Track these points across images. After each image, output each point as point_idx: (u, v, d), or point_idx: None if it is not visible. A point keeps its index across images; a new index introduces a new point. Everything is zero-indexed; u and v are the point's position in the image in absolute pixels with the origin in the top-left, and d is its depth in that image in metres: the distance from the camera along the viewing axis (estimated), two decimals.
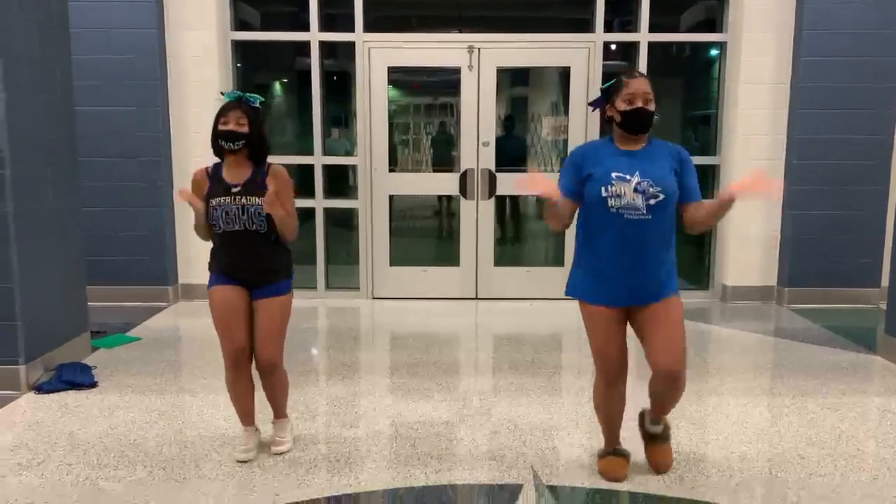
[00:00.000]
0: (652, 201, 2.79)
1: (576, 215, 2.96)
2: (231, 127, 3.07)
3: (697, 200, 2.92)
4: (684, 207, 2.91)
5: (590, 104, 3.25)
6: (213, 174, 3.16)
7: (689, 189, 2.91)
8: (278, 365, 3.28)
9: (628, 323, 2.99)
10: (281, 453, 3.31)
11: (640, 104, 2.81)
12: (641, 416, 3.22)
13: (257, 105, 3.18)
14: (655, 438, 3.18)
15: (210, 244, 3.24)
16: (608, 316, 2.93)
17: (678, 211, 2.91)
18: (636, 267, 2.85)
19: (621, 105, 2.84)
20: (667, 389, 2.96)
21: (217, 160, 3.21)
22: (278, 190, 3.09)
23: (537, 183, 2.73)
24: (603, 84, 3.02)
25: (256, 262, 3.14)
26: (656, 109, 2.86)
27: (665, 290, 2.90)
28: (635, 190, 2.79)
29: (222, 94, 3.26)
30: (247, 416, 3.33)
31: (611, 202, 2.80)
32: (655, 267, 2.87)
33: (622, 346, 2.98)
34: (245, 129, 3.08)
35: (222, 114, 3.10)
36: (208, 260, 3.24)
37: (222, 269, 3.18)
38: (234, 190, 3.08)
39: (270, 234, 3.13)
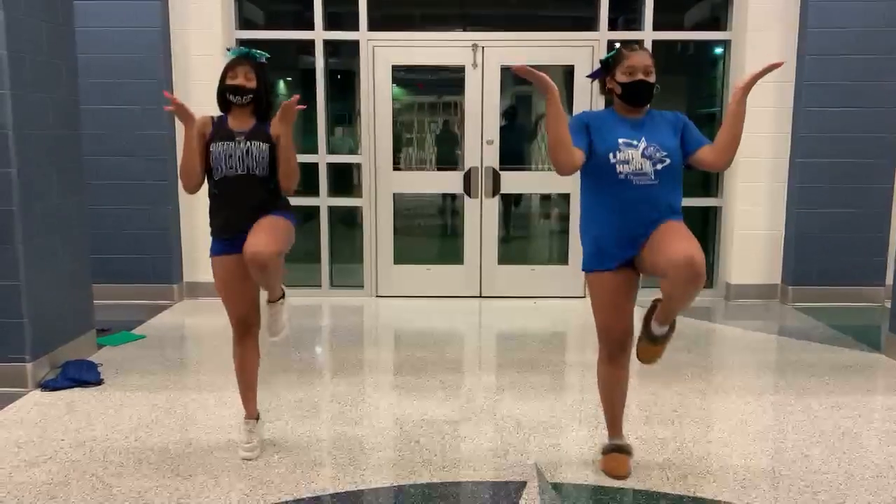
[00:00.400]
0: (659, 166, 2.79)
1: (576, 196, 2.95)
2: (239, 81, 3.11)
3: (708, 143, 2.89)
4: (702, 153, 2.87)
5: (588, 76, 3.24)
6: (218, 122, 3.20)
7: (697, 139, 2.90)
8: (267, 255, 2.98)
9: (640, 275, 2.95)
10: (277, 337, 3.26)
11: (640, 76, 2.82)
12: (652, 306, 2.94)
13: (264, 61, 3.23)
14: (654, 339, 2.98)
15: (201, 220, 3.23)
16: (616, 282, 2.90)
17: (699, 160, 2.87)
18: (645, 230, 2.82)
19: (622, 77, 2.84)
20: (688, 280, 2.64)
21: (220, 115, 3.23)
22: (282, 134, 3.11)
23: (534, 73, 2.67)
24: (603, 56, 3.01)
25: (255, 206, 3.11)
26: (656, 81, 2.86)
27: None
28: (643, 155, 2.79)
29: (228, 50, 3.28)
30: (248, 396, 3.34)
31: (619, 168, 2.79)
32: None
33: (629, 317, 2.97)
34: (253, 84, 3.13)
35: (230, 68, 3.13)
36: (210, 223, 3.22)
37: (222, 226, 3.16)
38: (239, 137, 3.12)
39: (270, 181, 3.14)
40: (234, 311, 3.25)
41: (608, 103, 3.03)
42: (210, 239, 3.26)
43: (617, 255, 2.89)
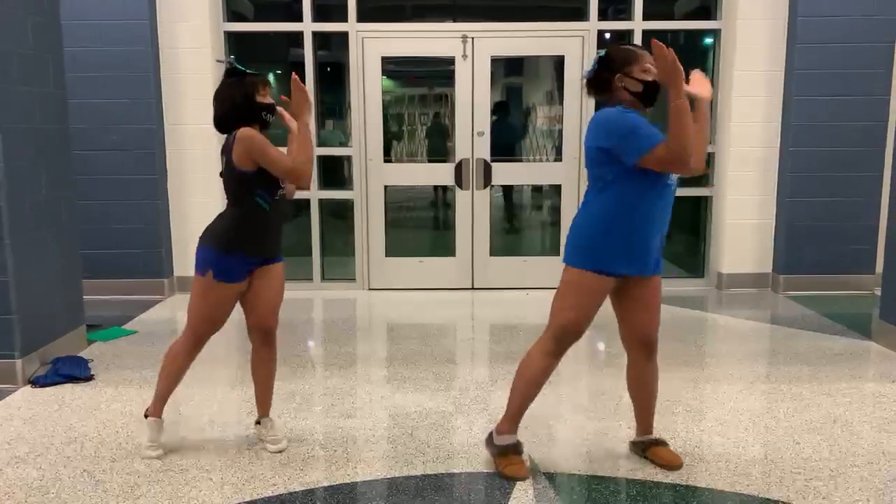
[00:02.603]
0: None
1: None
2: (269, 100, 3.08)
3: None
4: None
5: (583, 73, 3.11)
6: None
7: None
8: (275, 327, 3.27)
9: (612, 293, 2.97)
10: (282, 451, 3.26)
11: (655, 77, 2.77)
12: (633, 445, 3.24)
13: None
14: (656, 443, 3.17)
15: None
16: (607, 289, 2.90)
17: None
18: (662, 233, 2.88)
19: (642, 75, 2.77)
20: (645, 361, 3.03)
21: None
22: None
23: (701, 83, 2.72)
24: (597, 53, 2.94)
25: (281, 228, 3.18)
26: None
27: (660, 265, 2.96)
28: None
29: (219, 61, 3.22)
30: (166, 400, 3.28)
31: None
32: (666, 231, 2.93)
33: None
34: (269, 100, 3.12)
35: (256, 86, 3.06)
36: (228, 237, 3.05)
37: (261, 246, 3.10)
38: None
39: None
40: (210, 331, 3.16)
41: (597, 106, 2.96)
42: (199, 233, 3.21)
43: (639, 262, 2.86)
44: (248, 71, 3.11)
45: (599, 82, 2.87)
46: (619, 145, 2.72)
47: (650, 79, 2.77)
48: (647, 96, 2.81)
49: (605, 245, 2.84)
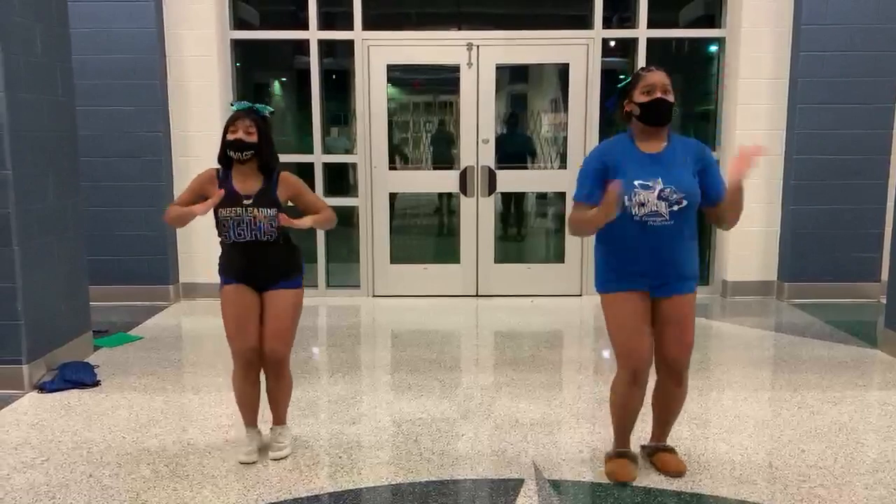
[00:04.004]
0: (675, 207, 2.78)
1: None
2: (239, 136, 3.03)
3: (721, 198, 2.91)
4: (710, 213, 2.95)
5: (606, 104, 3.21)
6: (223, 182, 3.11)
7: (715, 190, 2.90)
8: (286, 362, 3.25)
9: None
10: (279, 459, 3.25)
11: (658, 94, 2.78)
12: (643, 448, 3.24)
13: (266, 115, 3.17)
14: (664, 449, 3.18)
15: (214, 248, 3.22)
16: (637, 303, 2.89)
17: (706, 213, 2.94)
18: (660, 265, 2.87)
19: (640, 97, 2.80)
20: (672, 386, 3.00)
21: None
22: (297, 194, 3.16)
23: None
24: (619, 83, 2.98)
25: (269, 268, 3.16)
26: (675, 102, 2.83)
27: (686, 284, 2.94)
28: (659, 197, 2.77)
29: (232, 104, 3.25)
30: (251, 417, 3.32)
31: (634, 210, 2.78)
32: (678, 261, 2.89)
33: (649, 335, 2.93)
34: (254, 139, 3.05)
35: (231, 123, 3.08)
36: (218, 263, 3.22)
37: (234, 274, 3.17)
38: (247, 202, 3.06)
39: (280, 239, 3.14)
40: (241, 344, 3.16)
41: (620, 130, 2.99)
42: (206, 240, 3.25)
43: (637, 278, 2.89)
44: (238, 109, 3.16)
45: (620, 111, 2.95)
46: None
47: (644, 100, 2.79)
48: (647, 116, 2.82)
49: (601, 268, 2.99)
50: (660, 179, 2.78)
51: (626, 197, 2.76)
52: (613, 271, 2.93)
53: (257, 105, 3.17)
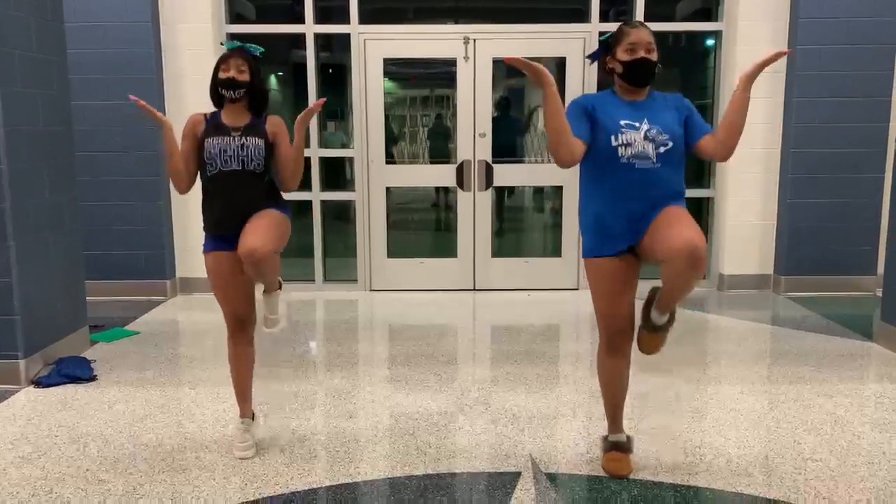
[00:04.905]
0: (661, 149, 2.74)
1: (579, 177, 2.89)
2: (231, 74, 3.07)
3: (710, 131, 2.87)
4: (704, 142, 2.84)
5: (588, 56, 3.16)
6: (211, 119, 3.16)
7: (700, 127, 2.86)
8: (262, 253, 2.96)
9: (640, 262, 2.89)
10: (273, 329, 3.25)
11: (642, 53, 2.75)
12: (651, 295, 2.93)
13: (258, 54, 3.20)
14: (654, 328, 2.96)
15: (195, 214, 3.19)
16: (617, 268, 2.84)
17: (701, 149, 2.85)
18: (644, 213, 2.77)
19: (623, 55, 2.78)
20: (689, 266, 2.60)
21: (214, 110, 3.20)
22: (277, 134, 3.14)
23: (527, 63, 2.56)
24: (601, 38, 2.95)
25: (251, 203, 3.09)
26: (658, 59, 2.80)
27: (674, 202, 2.80)
28: (645, 137, 2.74)
29: (222, 44, 3.27)
30: (243, 397, 3.30)
31: (621, 151, 2.73)
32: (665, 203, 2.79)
33: (629, 305, 2.90)
34: (245, 78, 3.09)
35: (222, 62, 3.10)
36: (203, 220, 3.19)
37: (216, 221, 3.13)
38: (234, 132, 3.09)
39: (265, 176, 3.13)
40: (229, 309, 3.20)
41: (605, 86, 2.98)
42: (202, 234, 3.24)
43: (618, 238, 2.81)
44: (229, 48, 3.19)
45: (603, 65, 2.91)
46: None
47: (627, 58, 2.77)
48: (629, 75, 2.79)
49: (585, 230, 2.93)
50: (645, 119, 2.77)
51: (611, 136, 2.74)
52: (595, 233, 2.86)
53: (248, 45, 3.20)
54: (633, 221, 2.79)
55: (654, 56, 2.78)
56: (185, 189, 3.17)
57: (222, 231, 3.13)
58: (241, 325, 3.23)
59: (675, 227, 2.66)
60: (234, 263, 3.10)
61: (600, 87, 6.14)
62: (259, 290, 3.26)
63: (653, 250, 2.76)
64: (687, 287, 2.75)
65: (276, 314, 3.29)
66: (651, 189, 2.76)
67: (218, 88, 3.13)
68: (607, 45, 2.88)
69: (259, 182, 3.12)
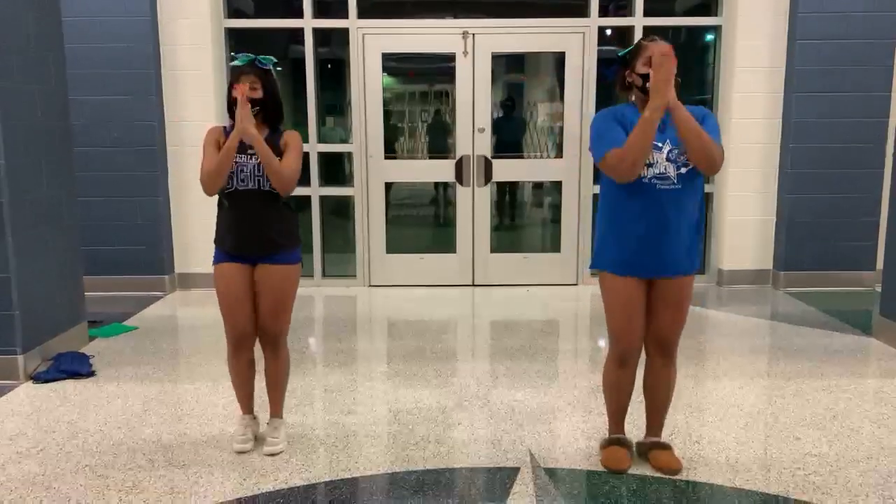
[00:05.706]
0: (683, 170, 2.76)
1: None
2: (237, 94, 3.02)
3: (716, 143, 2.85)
4: None
5: (605, 72, 3.15)
6: (229, 133, 3.10)
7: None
8: (283, 339, 3.23)
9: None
10: (273, 454, 3.21)
11: None
12: (638, 446, 3.17)
13: (270, 67, 3.16)
14: (658, 446, 3.12)
15: (210, 227, 3.18)
16: (634, 289, 2.88)
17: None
18: (664, 237, 2.79)
19: (642, 69, 2.77)
20: (660, 364, 2.99)
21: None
22: (286, 148, 3.10)
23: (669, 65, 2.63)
24: (619, 53, 2.95)
25: (264, 227, 3.09)
26: (678, 72, 2.77)
27: (685, 266, 2.87)
28: (667, 159, 2.75)
29: (234, 56, 3.23)
30: (246, 401, 3.32)
31: (644, 171, 2.75)
32: (681, 238, 2.82)
33: (642, 324, 2.94)
34: (258, 94, 3.06)
35: (235, 79, 3.06)
36: (215, 233, 3.17)
37: (229, 238, 3.12)
38: (251, 150, 3.04)
39: (281, 196, 3.11)
40: (234, 324, 3.16)
41: (607, 84, 2.96)
42: (201, 230, 3.23)
43: (637, 266, 2.85)
44: (241, 63, 3.14)
45: (621, 81, 2.92)
46: (591, 146, 2.86)
47: (647, 71, 2.75)
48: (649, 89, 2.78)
49: (604, 245, 2.94)
50: (668, 140, 2.77)
51: None
52: (615, 251, 2.88)
53: (260, 57, 3.14)
54: (654, 246, 2.81)
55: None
56: (214, 192, 3.10)
57: (233, 253, 3.13)
58: (243, 343, 3.21)
59: (667, 317, 2.92)
60: (244, 277, 3.12)
61: (600, 80, 6.13)
62: (263, 405, 3.33)
63: (647, 310, 2.93)
64: (664, 391, 3.06)
65: (279, 439, 3.27)
66: (670, 210, 2.78)
67: (232, 107, 3.06)
68: (625, 61, 2.87)
69: (274, 202, 3.10)
